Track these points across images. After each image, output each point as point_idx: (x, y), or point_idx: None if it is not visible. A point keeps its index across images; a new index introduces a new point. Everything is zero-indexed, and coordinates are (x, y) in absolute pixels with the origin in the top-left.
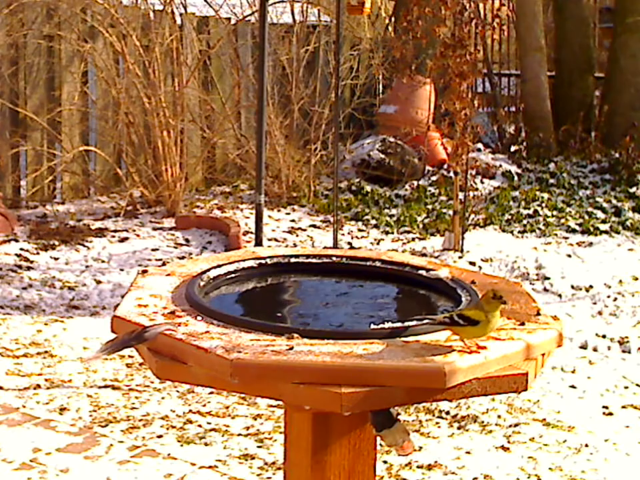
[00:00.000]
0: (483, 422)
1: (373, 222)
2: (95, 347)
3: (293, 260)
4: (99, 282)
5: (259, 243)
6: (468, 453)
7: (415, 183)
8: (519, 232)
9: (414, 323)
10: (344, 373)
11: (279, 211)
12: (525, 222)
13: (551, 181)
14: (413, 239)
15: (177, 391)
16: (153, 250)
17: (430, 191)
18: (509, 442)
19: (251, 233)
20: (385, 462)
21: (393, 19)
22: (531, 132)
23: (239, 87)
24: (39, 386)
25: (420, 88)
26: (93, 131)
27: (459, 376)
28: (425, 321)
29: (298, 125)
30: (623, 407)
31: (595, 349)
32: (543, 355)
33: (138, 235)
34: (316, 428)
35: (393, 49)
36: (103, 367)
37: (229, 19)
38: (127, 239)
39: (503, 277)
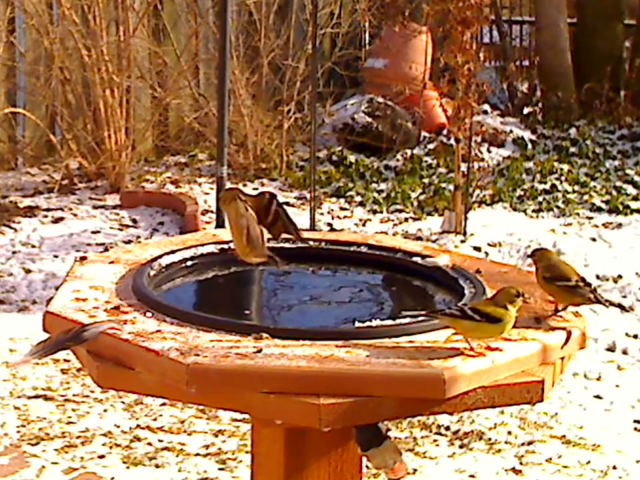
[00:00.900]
0: (490, 439)
1: (358, 199)
2: (24, 349)
3: None
4: (28, 271)
5: (220, 224)
6: (472, 476)
7: (409, 151)
8: (534, 211)
9: (407, 319)
10: (323, 381)
11: (245, 185)
12: (540, 199)
13: (572, 149)
14: (406, 220)
15: (123, 402)
16: (93, 232)
17: (426, 161)
18: (521, 463)
19: (211, 212)
20: None
21: None
22: (547, 90)
23: (197, 37)
24: None
25: (414, 38)
26: (21, 90)
27: (461, 384)
28: (421, 318)
29: (268, 82)
30: None
31: (624, 352)
32: (562, 358)
33: (75, 215)
34: (289, 447)
35: None
36: (33, 373)
37: None
38: (62, 219)
39: (514, 265)
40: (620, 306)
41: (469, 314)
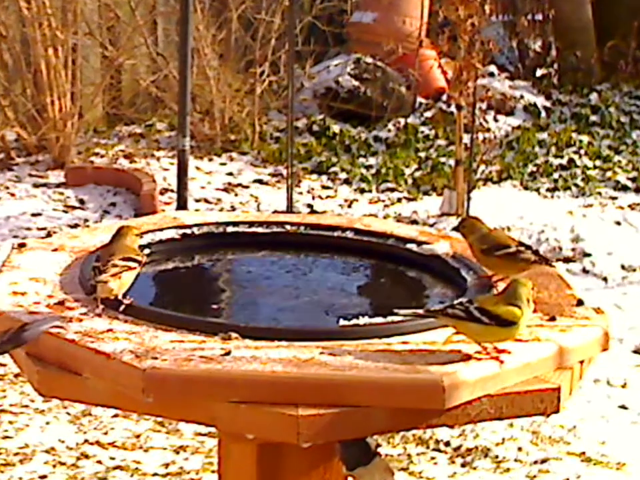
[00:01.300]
0: (497, 457)
1: (343, 176)
2: None
3: (230, 229)
4: None
5: (182, 205)
6: None
7: (402, 120)
8: (548, 190)
9: (400, 317)
10: (302, 389)
11: (210, 160)
12: (556, 176)
13: (593, 118)
14: (399, 200)
15: (68, 414)
16: (33, 215)
17: (423, 132)
18: None
19: (172, 191)
20: None
21: None
22: (564, 49)
23: None
24: None
25: None
26: None
27: (464, 392)
28: (415, 314)
29: (237, 39)
30: None
31: None
32: (582, 362)
33: (12, 194)
34: (262, 465)
35: None
36: None
37: None
38: None
39: None
40: (568, 259)
41: (475, 315)
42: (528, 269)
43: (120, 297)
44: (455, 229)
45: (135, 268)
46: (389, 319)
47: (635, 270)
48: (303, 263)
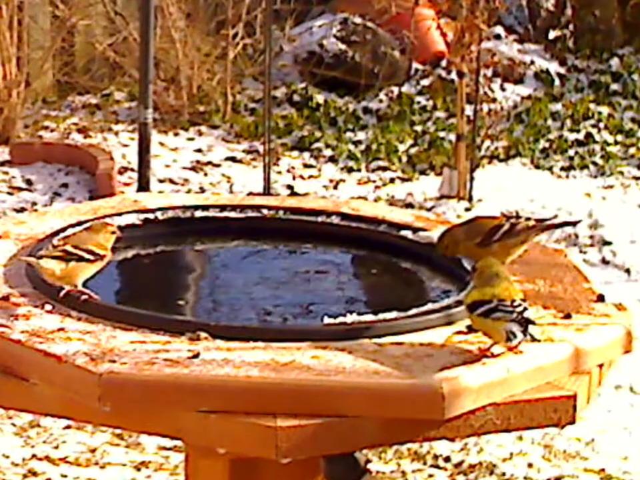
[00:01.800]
0: (504, 474)
1: (328, 152)
2: None
3: (199, 214)
4: None
5: (144, 186)
6: None
7: (395, 89)
8: (562, 169)
9: (394, 314)
10: (281, 396)
11: (176, 134)
12: (571, 152)
13: (614, 86)
14: (392, 180)
15: (13, 425)
16: None
17: (419, 102)
18: None
19: (132, 170)
20: None
21: None
22: (581, 8)
23: None
24: None
25: None
26: None
27: (466, 400)
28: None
29: None
30: None
31: None
32: (601, 366)
33: None
34: None
35: None
36: None
37: None
38: None
39: (537, 241)
40: (568, 223)
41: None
42: (530, 239)
43: (80, 288)
44: (443, 255)
45: (91, 261)
46: (381, 316)
47: None
48: (282, 253)
